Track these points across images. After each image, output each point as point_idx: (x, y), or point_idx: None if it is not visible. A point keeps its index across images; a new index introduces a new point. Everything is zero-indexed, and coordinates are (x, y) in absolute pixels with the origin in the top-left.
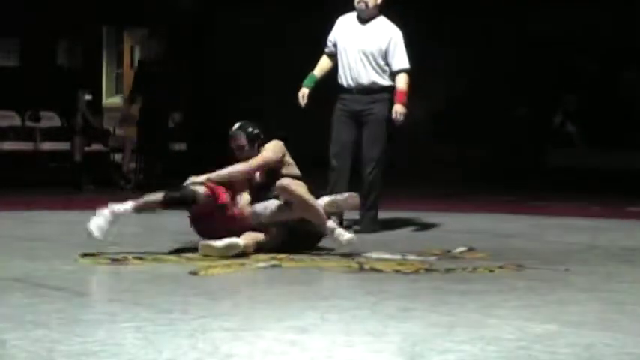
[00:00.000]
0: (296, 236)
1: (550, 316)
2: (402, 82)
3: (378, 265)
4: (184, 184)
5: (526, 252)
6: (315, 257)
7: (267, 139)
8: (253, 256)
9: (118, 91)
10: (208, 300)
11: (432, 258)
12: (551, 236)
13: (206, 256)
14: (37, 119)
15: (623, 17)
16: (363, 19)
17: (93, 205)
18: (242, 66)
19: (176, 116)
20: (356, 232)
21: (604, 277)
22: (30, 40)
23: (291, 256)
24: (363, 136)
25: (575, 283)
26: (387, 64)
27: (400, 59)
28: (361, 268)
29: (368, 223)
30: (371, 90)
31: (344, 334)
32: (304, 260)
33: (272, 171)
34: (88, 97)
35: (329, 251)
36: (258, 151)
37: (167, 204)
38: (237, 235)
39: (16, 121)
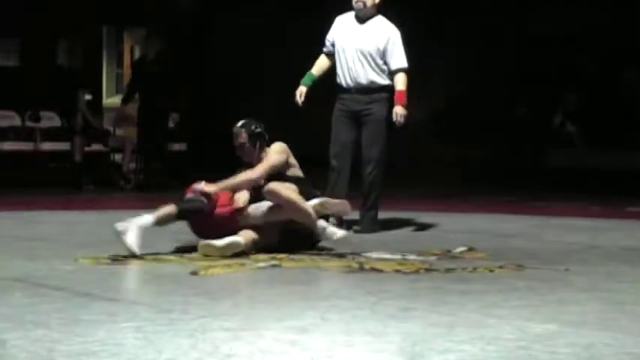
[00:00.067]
0: (290, 236)
1: (550, 316)
2: (400, 82)
3: (378, 265)
4: (193, 194)
5: (526, 252)
6: (315, 257)
7: (270, 139)
8: (253, 256)
9: (118, 91)
10: (208, 300)
11: (432, 258)
12: (551, 236)
13: (206, 255)
14: (37, 119)
15: (623, 17)
16: (361, 19)
17: (93, 205)
18: (242, 66)
19: (175, 116)
20: (356, 232)
21: (604, 277)
22: (30, 40)
23: (291, 256)
24: (363, 137)
25: (575, 283)
26: (386, 63)
27: (398, 59)
28: (361, 268)
29: (368, 223)
30: (369, 90)
31: (344, 334)
32: (304, 260)
33: (276, 172)
34: (88, 97)
35: (329, 251)
36: (260, 151)
37: (182, 217)
38: (235, 234)
39: (16, 121)
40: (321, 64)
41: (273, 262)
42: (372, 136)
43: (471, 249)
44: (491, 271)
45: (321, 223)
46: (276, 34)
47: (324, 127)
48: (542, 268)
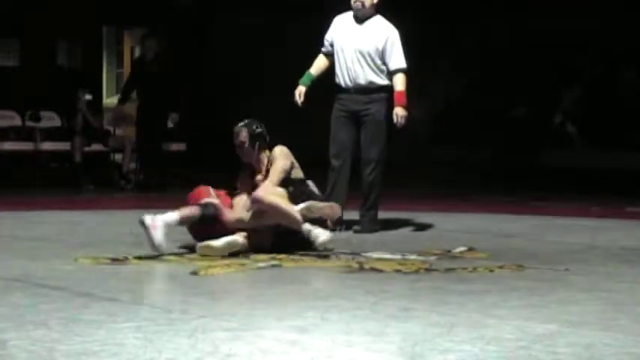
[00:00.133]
0: (284, 238)
1: (550, 316)
2: (400, 82)
3: (378, 265)
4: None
5: (526, 252)
6: (315, 257)
7: (271, 140)
8: (253, 256)
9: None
10: (208, 300)
11: (432, 258)
12: (551, 236)
13: (205, 256)
14: (37, 119)
15: (623, 17)
16: (360, 19)
17: (93, 205)
18: (242, 66)
19: (175, 116)
20: (356, 232)
21: (604, 277)
22: (30, 40)
23: (291, 256)
24: (362, 137)
25: (575, 283)
26: (384, 63)
27: (397, 59)
28: (361, 268)
29: (368, 223)
30: (368, 90)
31: (344, 334)
32: (304, 260)
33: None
34: (88, 97)
35: (329, 251)
36: (259, 152)
37: (202, 221)
38: (231, 234)
39: (16, 121)
40: (319, 63)
41: (273, 262)
42: (371, 136)
43: (471, 249)
44: (491, 271)
45: (307, 226)
46: (276, 35)
47: (324, 127)
48: (542, 268)
